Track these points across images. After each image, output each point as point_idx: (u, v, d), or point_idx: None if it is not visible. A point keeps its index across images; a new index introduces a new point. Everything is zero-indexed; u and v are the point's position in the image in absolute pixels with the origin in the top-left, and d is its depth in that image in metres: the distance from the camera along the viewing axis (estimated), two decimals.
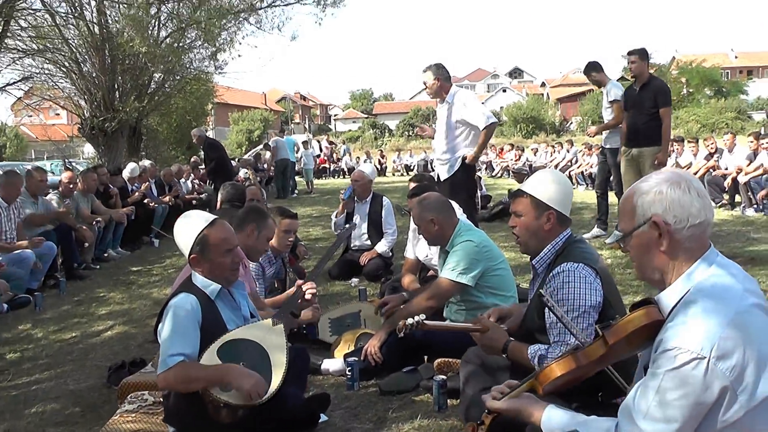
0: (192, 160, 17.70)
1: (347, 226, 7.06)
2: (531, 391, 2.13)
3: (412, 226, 5.69)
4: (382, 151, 35.76)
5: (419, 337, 3.97)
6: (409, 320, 2.77)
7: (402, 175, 28.66)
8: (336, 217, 7.56)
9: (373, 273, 7.01)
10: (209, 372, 2.81)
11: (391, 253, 7.38)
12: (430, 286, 4.26)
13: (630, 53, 7.92)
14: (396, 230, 7.49)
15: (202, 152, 14.13)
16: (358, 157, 28.86)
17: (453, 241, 4.17)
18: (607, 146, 8.69)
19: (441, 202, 4.33)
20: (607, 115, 8.63)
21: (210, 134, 40.08)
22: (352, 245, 7.47)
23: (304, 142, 19.44)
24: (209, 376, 2.80)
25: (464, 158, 6.41)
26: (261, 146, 22.27)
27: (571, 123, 56.59)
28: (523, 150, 25.65)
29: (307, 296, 3.75)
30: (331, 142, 34.43)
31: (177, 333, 2.82)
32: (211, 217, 3.13)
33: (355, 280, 7.01)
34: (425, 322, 2.79)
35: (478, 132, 6.38)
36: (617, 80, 8.93)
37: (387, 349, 4.12)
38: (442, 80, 6.51)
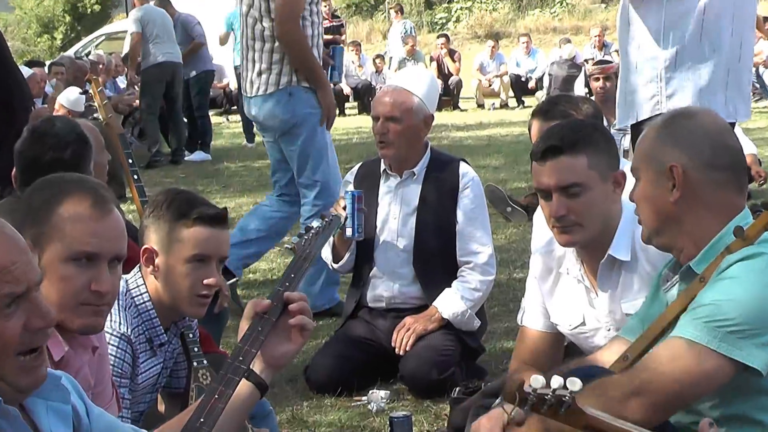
0: None
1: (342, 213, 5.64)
2: None
3: (541, 238, 4.88)
4: (447, 38, 28.63)
5: None
6: (553, 381, 2.47)
7: (503, 106, 23.63)
8: (334, 261, 6.10)
9: (426, 374, 5.44)
10: None
11: (478, 321, 5.72)
12: (634, 366, 3.62)
13: None
14: (494, 254, 5.90)
15: None
16: (375, 58, 25.04)
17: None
18: None
19: None
20: None
21: None
22: (369, 293, 5.85)
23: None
24: None
25: None
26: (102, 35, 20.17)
27: None
28: None
29: (297, 320, 3.10)
30: (335, 17, 28.63)
31: None
32: None
33: (380, 395, 5.47)
34: (582, 408, 2.55)
35: None
36: None
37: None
38: None
